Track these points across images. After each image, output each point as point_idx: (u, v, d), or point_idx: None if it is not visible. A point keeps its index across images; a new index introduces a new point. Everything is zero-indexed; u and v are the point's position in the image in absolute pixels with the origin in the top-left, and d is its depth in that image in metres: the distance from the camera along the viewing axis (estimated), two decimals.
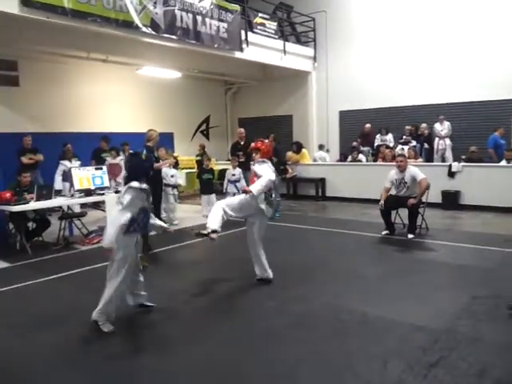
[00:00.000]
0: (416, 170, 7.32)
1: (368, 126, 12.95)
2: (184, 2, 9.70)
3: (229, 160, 10.78)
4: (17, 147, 9.46)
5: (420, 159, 10.97)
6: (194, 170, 12.23)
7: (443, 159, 11.51)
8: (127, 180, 3.62)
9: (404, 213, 7.45)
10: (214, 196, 9.35)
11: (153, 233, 6.46)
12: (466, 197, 9.76)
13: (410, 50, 12.59)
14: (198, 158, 12.41)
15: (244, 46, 11.37)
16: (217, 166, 12.42)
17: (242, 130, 10.39)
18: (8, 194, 6.59)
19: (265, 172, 4.90)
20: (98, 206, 7.98)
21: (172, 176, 8.87)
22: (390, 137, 12.57)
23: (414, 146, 11.66)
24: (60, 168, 9.61)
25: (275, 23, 12.94)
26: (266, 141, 10.07)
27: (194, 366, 3.35)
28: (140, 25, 8.86)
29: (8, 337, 3.98)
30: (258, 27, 12.26)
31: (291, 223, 8.65)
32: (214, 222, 4.53)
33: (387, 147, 11.77)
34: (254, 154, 5.41)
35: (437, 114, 11.84)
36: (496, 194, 9.28)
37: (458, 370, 3.15)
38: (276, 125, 14.85)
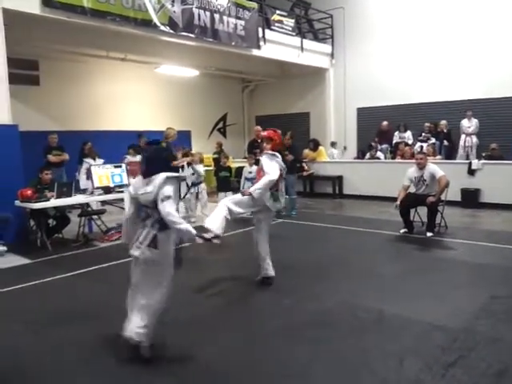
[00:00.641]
0: (435, 168, 7.24)
1: (385, 123, 12.81)
2: (202, 0, 9.73)
3: (246, 158, 10.79)
4: (38, 145, 9.59)
5: (439, 156, 10.83)
6: (211, 168, 12.28)
7: (467, 157, 11.25)
8: (146, 173, 3.44)
9: (423, 211, 7.37)
10: (231, 194, 9.37)
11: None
12: (486, 195, 9.61)
13: (429, 46, 12.41)
14: (216, 155, 12.46)
15: (261, 43, 11.36)
16: (234, 164, 12.45)
17: (259, 127, 10.37)
18: (29, 192, 6.69)
19: (271, 170, 4.64)
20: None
21: (193, 174, 8.84)
22: (408, 134, 12.42)
23: (434, 144, 11.52)
24: (84, 166, 9.67)
25: (293, 20, 12.90)
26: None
27: (209, 364, 3.34)
28: (158, 23, 8.92)
29: (24, 333, 4.00)
30: (276, 24, 12.23)
31: (307, 221, 8.63)
32: (216, 225, 4.31)
33: (406, 144, 11.64)
34: (265, 144, 4.94)
35: (462, 110, 11.58)
36: None
37: (477, 369, 3.11)
38: (293, 122, 14.79)
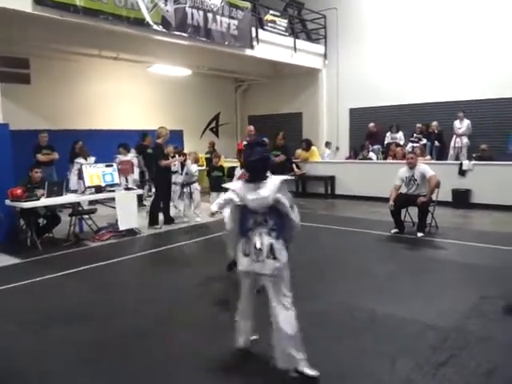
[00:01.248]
0: (426, 168, 7.29)
1: (372, 124, 12.86)
2: None
3: (238, 158, 10.77)
4: (28, 144, 9.52)
5: (428, 157, 10.87)
6: (203, 168, 12.27)
7: (457, 157, 11.33)
8: (256, 177, 3.21)
9: (414, 211, 7.41)
10: (223, 194, 9.34)
11: None
12: (477, 195, 9.68)
13: (421, 48, 12.48)
14: (208, 155, 12.44)
15: (254, 43, 11.35)
16: (226, 164, 12.42)
17: (252, 127, 10.40)
18: (19, 191, 6.65)
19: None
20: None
21: (186, 173, 8.81)
22: (400, 135, 12.47)
23: (425, 145, 11.58)
24: (76, 167, 9.60)
25: (286, 20, 12.90)
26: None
27: (205, 365, 3.34)
28: (151, 22, 8.88)
29: (18, 333, 3.99)
30: (269, 24, 12.22)
31: (300, 221, 8.62)
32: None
33: (397, 145, 11.70)
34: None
35: (454, 111, 11.63)
36: (507, 193, 9.18)
37: (468, 369, 3.13)
38: (286, 122, 14.81)
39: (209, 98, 15.27)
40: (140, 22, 8.74)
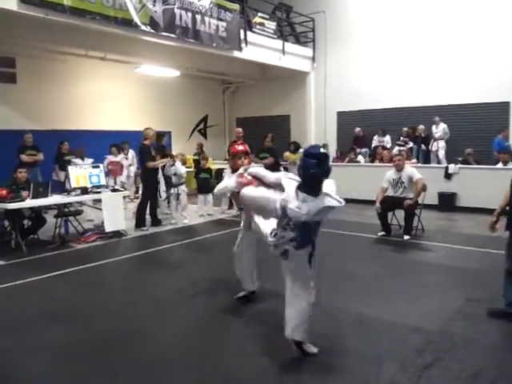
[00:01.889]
0: (413, 170, 7.36)
1: (358, 129, 12.96)
2: (183, 0, 9.67)
3: (226, 159, 10.74)
4: (14, 145, 9.42)
5: (414, 160, 10.97)
6: (191, 170, 12.23)
7: (438, 161, 11.55)
8: (317, 189, 3.22)
9: (400, 214, 7.46)
10: (210, 195, 9.33)
11: None
12: (462, 199, 9.79)
13: (409, 52, 12.60)
14: (196, 157, 12.39)
15: (243, 45, 11.36)
16: (214, 166, 12.40)
17: (240, 129, 10.37)
18: (3, 192, 6.55)
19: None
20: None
21: (175, 174, 8.75)
22: (387, 138, 12.58)
23: (411, 148, 11.68)
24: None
25: (274, 23, 12.92)
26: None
27: (197, 372, 3.33)
28: (139, 23, 8.83)
29: (4, 335, 3.92)
30: (257, 27, 12.23)
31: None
32: None
33: (384, 148, 11.78)
34: (242, 159, 4.46)
35: (435, 115, 11.83)
36: (492, 197, 9.20)
37: (452, 371, 3.16)
38: (274, 125, 14.82)
39: (197, 100, 15.24)
40: (128, 23, 8.68)
